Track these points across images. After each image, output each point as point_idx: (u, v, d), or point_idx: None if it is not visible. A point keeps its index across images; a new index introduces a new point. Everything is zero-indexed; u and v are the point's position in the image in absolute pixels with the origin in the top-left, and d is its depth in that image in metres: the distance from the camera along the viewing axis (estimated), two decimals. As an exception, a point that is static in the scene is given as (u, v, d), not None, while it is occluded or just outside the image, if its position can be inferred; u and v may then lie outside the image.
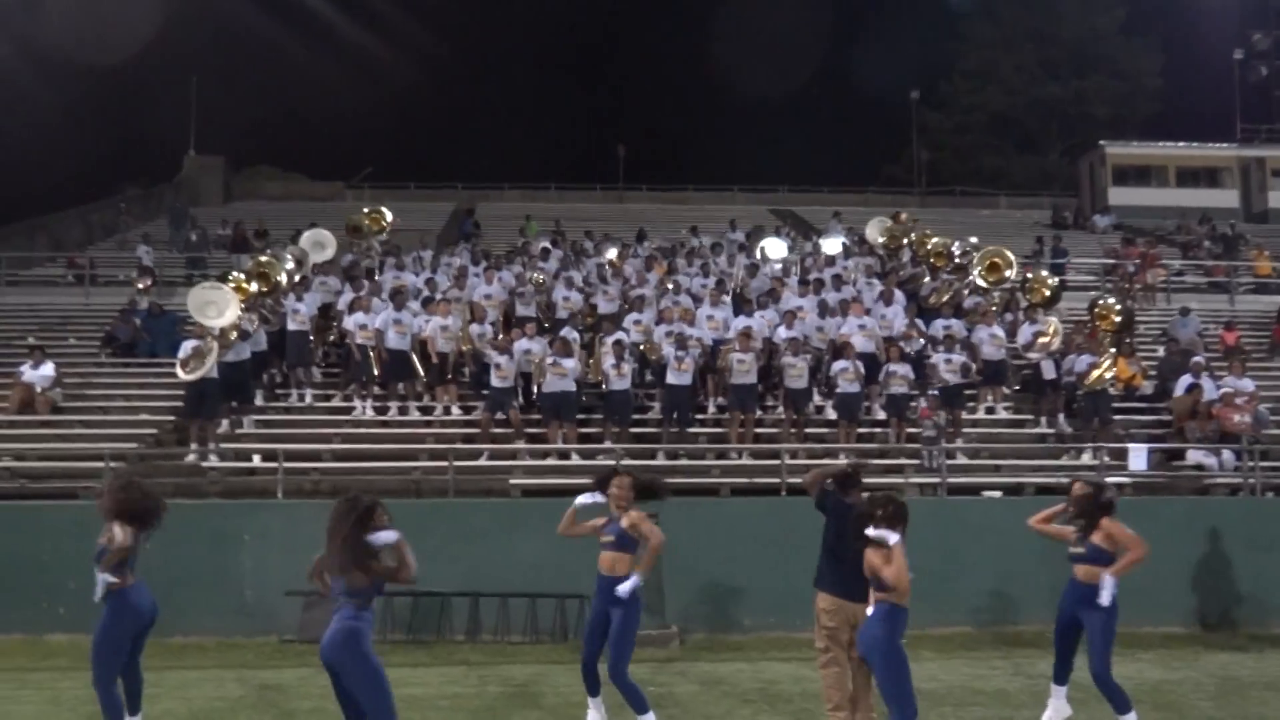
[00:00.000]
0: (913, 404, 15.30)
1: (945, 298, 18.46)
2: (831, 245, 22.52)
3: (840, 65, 58.03)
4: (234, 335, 14.87)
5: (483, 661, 10.92)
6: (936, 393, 15.33)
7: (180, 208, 28.88)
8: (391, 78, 58.06)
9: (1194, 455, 14.78)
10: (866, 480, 7.91)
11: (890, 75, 53.56)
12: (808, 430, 15.45)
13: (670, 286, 17.99)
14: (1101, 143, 40.96)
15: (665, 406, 15.16)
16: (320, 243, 19.27)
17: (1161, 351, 18.45)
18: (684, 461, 14.73)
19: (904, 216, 23.59)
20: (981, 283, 17.86)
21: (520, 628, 11.95)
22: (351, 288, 17.12)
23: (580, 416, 15.20)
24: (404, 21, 55.73)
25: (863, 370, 15.25)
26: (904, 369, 15.30)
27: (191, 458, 14.44)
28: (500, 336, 15.80)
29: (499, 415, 14.89)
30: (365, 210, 23.31)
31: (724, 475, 14.41)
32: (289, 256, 18.38)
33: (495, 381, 14.84)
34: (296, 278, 17.23)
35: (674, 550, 12.14)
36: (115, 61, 45.80)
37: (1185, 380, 15.74)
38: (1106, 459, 14.20)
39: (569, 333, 15.82)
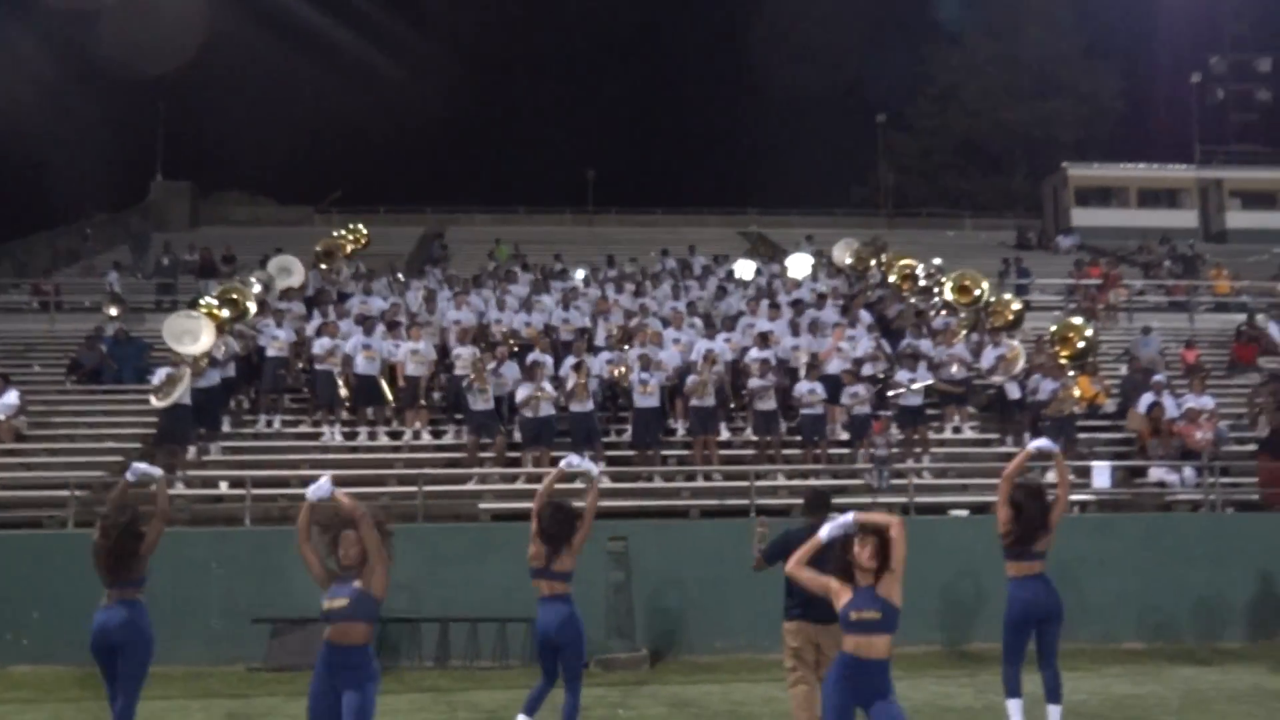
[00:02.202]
0: (875, 423, 15.42)
1: (912, 319, 18.64)
2: (800, 268, 22.72)
3: (808, 88, 58.46)
4: (204, 362, 14.82)
5: (452, 688, 10.89)
6: (891, 413, 15.45)
7: (144, 234, 28.75)
8: (360, 102, 57.96)
9: (1156, 472, 14.97)
10: (835, 502, 7.98)
11: (857, 98, 54.24)
12: (775, 452, 15.51)
13: (638, 309, 18.08)
14: (1064, 165, 41.59)
15: (634, 429, 15.22)
16: (287, 268, 19.25)
17: (1124, 370, 18.71)
18: (654, 484, 14.77)
19: (881, 243, 23.80)
20: (950, 296, 18.13)
21: (490, 653, 11.93)
22: (318, 313, 17.10)
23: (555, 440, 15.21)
24: (371, 46, 55.80)
25: (824, 394, 15.35)
26: (865, 389, 15.42)
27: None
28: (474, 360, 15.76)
29: (484, 439, 14.90)
30: (349, 228, 23.44)
31: (693, 497, 14.46)
32: (256, 281, 18.38)
33: (479, 405, 14.84)
34: (267, 301, 17.24)
35: (643, 572, 12.26)
36: (81, 86, 45.62)
37: (1147, 398, 15.96)
38: (1071, 476, 14.34)
39: (538, 356, 15.83)
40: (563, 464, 8.26)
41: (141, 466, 7.80)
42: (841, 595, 6.02)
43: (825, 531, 6.13)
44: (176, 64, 44.45)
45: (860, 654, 5.93)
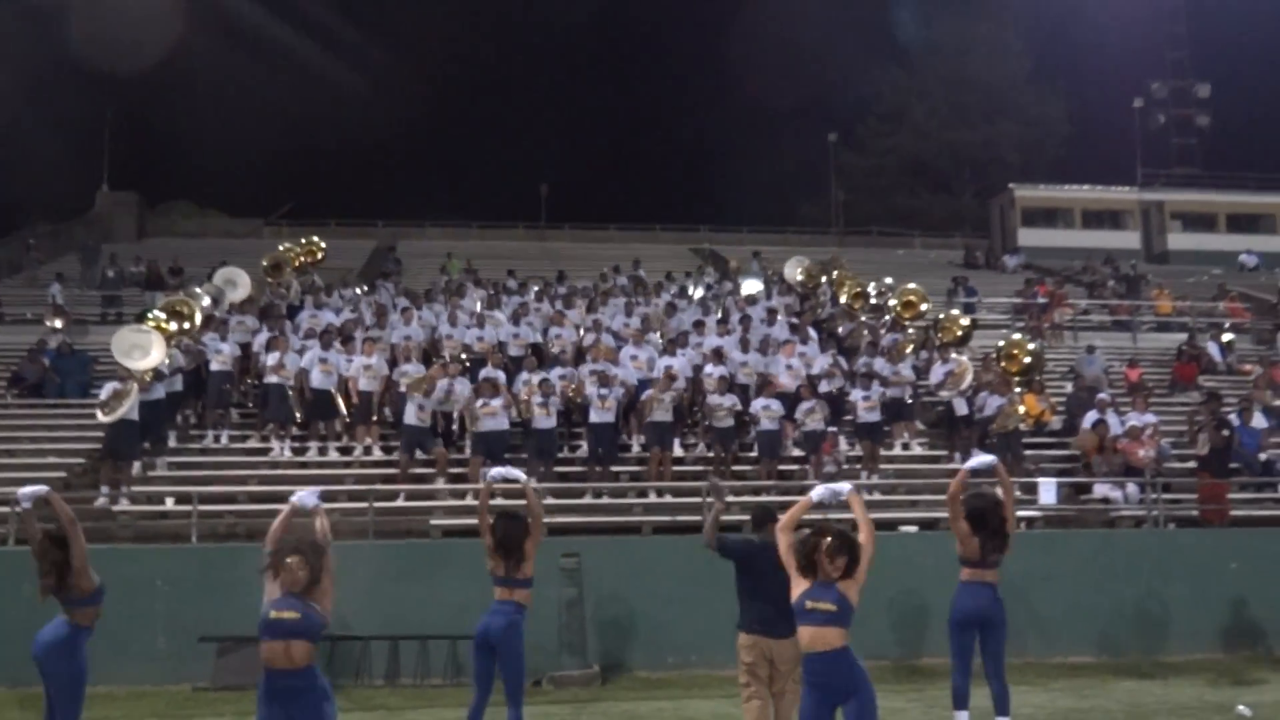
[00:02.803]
0: (825, 440, 15.54)
1: (863, 337, 18.83)
2: (751, 285, 22.88)
3: (760, 107, 59.03)
4: (149, 376, 14.60)
5: (402, 706, 10.78)
6: (835, 429, 15.59)
7: (91, 244, 28.28)
8: (312, 114, 57.56)
9: (1100, 489, 15.22)
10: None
11: (809, 117, 54.83)
12: (726, 469, 15.57)
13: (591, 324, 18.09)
14: (1011, 185, 42.34)
15: (590, 445, 15.21)
16: (233, 281, 19.01)
17: (1069, 388, 19.03)
18: (607, 500, 14.76)
19: (839, 259, 24.07)
20: (895, 313, 18.37)
21: (441, 670, 11.82)
22: (267, 327, 16.93)
23: (505, 456, 15.15)
24: (324, 59, 55.53)
25: (783, 410, 15.46)
26: (820, 406, 15.54)
27: (102, 501, 14.07)
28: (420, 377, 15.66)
29: (417, 455, 14.79)
30: (303, 241, 23.19)
31: (646, 513, 14.46)
32: (203, 294, 18.15)
33: (413, 421, 14.75)
34: (215, 315, 17.04)
35: (596, 588, 12.23)
36: (25, 94, 44.84)
37: (1091, 415, 16.24)
38: (1018, 492, 14.55)
39: (491, 372, 15.77)
40: (489, 476, 8.28)
41: (26, 490, 7.51)
42: (799, 584, 6.14)
43: (816, 493, 6.51)
44: (125, 73, 43.86)
45: (815, 648, 6.03)
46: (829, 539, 6.14)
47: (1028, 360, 16.92)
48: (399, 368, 15.88)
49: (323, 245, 23.73)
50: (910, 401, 16.76)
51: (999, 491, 8.32)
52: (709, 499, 8.06)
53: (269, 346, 15.92)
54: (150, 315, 15.89)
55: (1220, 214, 41.15)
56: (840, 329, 19.39)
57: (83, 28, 44.55)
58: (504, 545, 7.80)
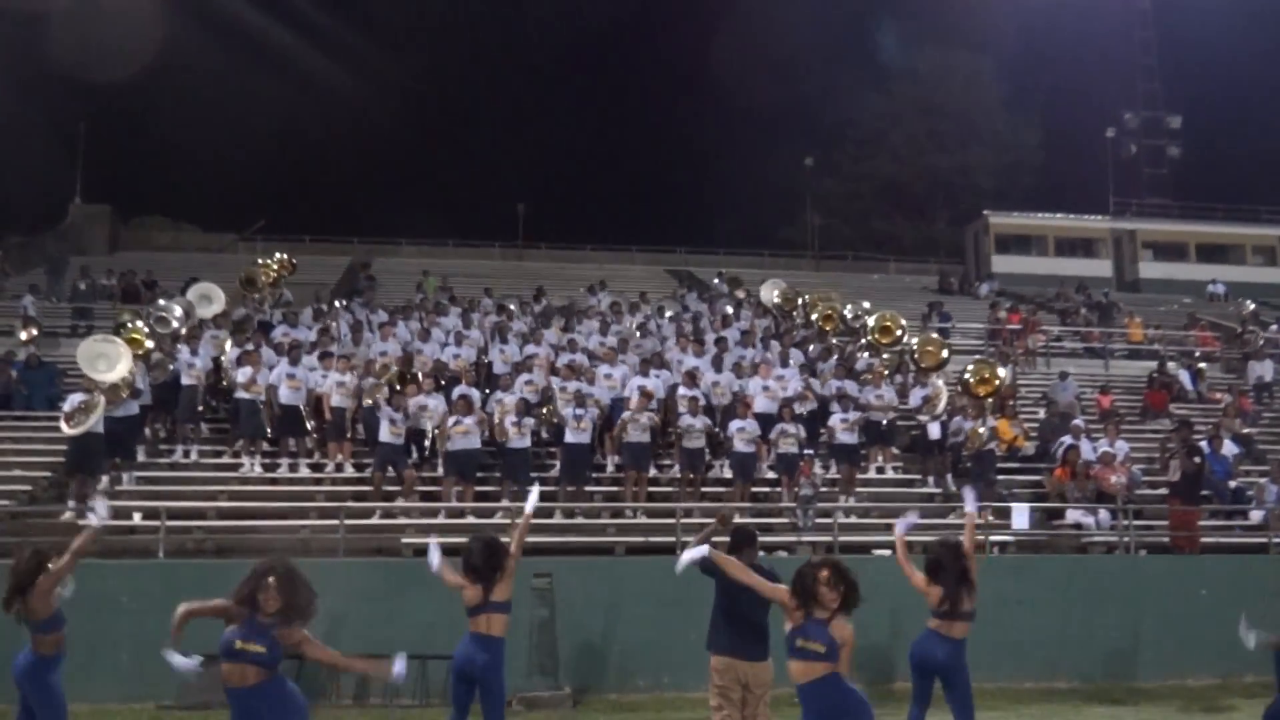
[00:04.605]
0: (802, 463, 15.54)
1: (835, 359, 18.88)
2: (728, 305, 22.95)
3: (737, 130, 59.37)
4: (125, 393, 14.42)
5: (371, 726, 10.66)
6: (812, 452, 15.60)
7: (60, 257, 28.00)
8: (287, 129, 57.33)
9: (1073, 514, 15.29)
10: (761, 540, 8.01)
11: (786, 141, 55.14)
12: (704, 490, 15.57)
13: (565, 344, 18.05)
14: (985, 212, 42.62)
15: (564, 465, 15.14)
16: (207, 296, 18.85)
17: (1042, 414, 19.14)
18: (579, 520, 14.69)
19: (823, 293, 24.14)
20: (872, 337, 18.47)
21: (410, 691, 11.67)
22: (234, 342, 16.82)
23: (478, 475, 15.08)
24: (300, 72, 55.37)
25: (759, 431, 15.46)
26: (795, 428, 15.55)
27: (68, 515, 13.85)
28: (395, 392, 15.58)
29: (389, 473, 14.68)
30: (276, 257, 23.10)
31: (619, 534, 14.41)
32: (177, 308, 17.98)
33: (388, 438, 14.64)
34: (184, 330, 16.89)
35: (568, 609, 12.14)
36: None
37: (1064, 441, 16.32)
38: (990, 517, 14.61)
39: (466, 390, 15.68)
40: (432, 560, 7.90)
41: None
42: (794, 616, 6.15)
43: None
44: (99, 84, 43.55)
45: (803, 679, 6.12)
46: (827, 570, 6.16)
47: (997, 381, 16.94)
48: (369, 379, 15.81)
49: (293, 261, 23.56)
50: (886, 426, 16.80)
51: (963, 539, 8.22)
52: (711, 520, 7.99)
53: (241, 361, 15.79)
54: (128, 325, 15.63)
55: (1190, 243, 41.62)
56: (811, 352, 19.45)
57: (56, 39, 44.25)
58: (479, 570, 7.61)
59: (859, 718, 6.10)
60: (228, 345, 16.85)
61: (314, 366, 15.91)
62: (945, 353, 17.94)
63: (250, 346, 16.20)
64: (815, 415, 16.48)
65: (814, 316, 20.90)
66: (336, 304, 21.33)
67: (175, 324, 17.15)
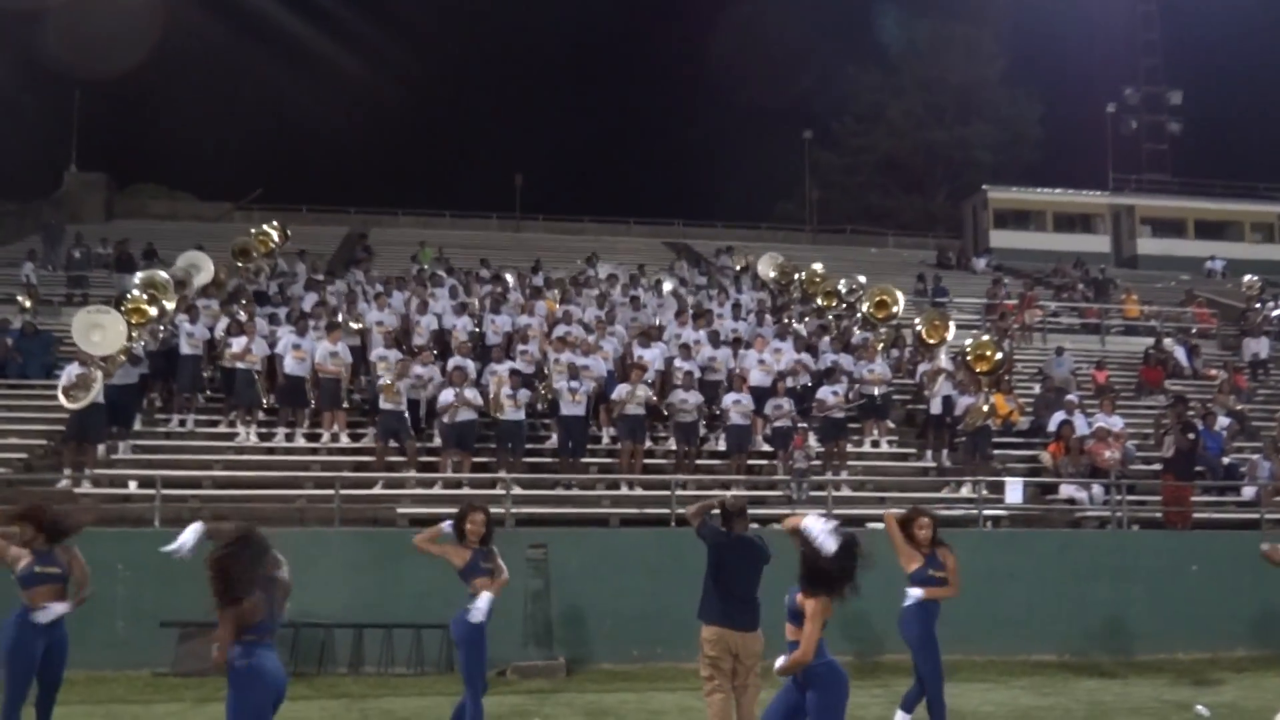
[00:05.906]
0: (796, 435, 15.56)
1: (832, 334, 18.88)
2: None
3: (737, 103, 59.10)
4: (122, 358, 14.39)
5: (365, 694, 10.72)
6: (806, 425, 15.62)
7: (56, 225, 27.88)
8: (285, 98, 57.07)
9: (1066, 489, 15.35)
10: (754, 512, 8.04)
11: (785, 115, 54.87)
12: (698, 462, 15.60)
13: (560, 316, 18.02)
14: (984, 187, 42.54)
15: (560, 437, 15.16)
16: (196, 265, 18.71)
17: (1037, 389, 19.17)
18: (575, 491, 14.73)
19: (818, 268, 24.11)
20: (869, 311, 18.45)
21: (404, 659, 11.76)
22: (225, 312, 16.79)
23: (475, 445, 15.10)
24: (297, 43, 54.97)
25: (753, 405, 15.48)
26: (788, 402, 15.56)
27: (64, 483, 13.88)
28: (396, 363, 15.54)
29: (392, 443, 14.70)
30: (253, 231, 22.96)
31: (614, 506, 14.45)
32: (171, 277, 17.89)
33: (389, 406, 14.65)
34: (185, 296, 16.85)
35: (562, 580, 12.20)
36: (-8, 71, 44.11)
37: (1059, 416, 16.36)
38: (984, 491, 14.66)
39: (461, 361, 15.66)
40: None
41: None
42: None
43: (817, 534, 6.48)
44: (95, 53, 43.19)
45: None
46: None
47: (998, 355, 16.93)
48: (376, 351, 15.79)
49: (274, 234, 23.33)
50: (881, 400, 16.80)
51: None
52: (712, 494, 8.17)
53: (233, 330, 15.77)
54: (130, 296, 15.55)
55: (1189, 220, 41.57)
56: (806, 322, 19.43)
57: (53, 6, 43.90)
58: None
59: (822, 692, 6.22)
60: (220, 316, 16.82)
61: (321, 336, 15.87)
62: (950, 331, 17.87)
63: (243, 316, 16.19)
64: (809, 389, 16.49)
65: (814, 294, 20.86)
66: (320, 276, 21.19)
67: (175, 293, 17.07)
